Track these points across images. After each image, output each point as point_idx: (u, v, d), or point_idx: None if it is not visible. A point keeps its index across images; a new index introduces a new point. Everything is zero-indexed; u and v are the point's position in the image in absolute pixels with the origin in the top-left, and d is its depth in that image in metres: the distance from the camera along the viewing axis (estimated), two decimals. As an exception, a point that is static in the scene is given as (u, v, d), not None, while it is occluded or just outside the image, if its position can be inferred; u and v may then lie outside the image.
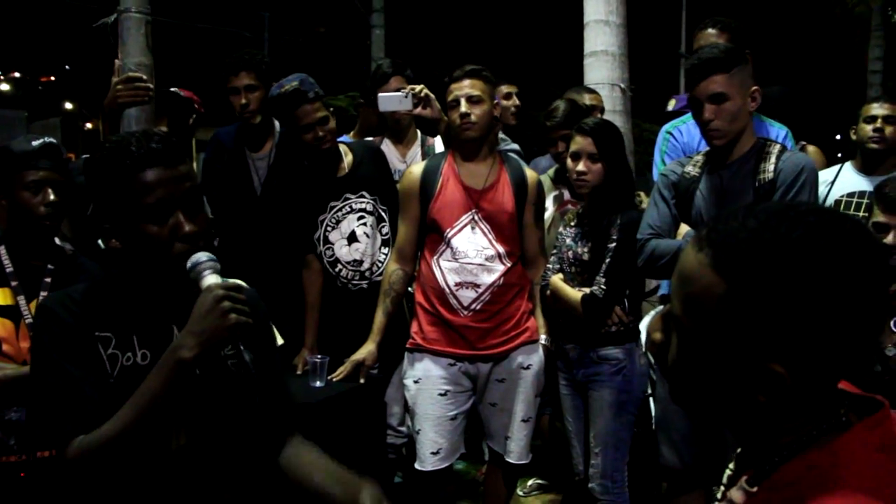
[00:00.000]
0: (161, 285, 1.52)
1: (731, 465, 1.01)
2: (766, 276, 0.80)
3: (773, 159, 2.44)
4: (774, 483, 0.85)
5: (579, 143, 2.78)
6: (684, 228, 2.56)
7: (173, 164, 1.45)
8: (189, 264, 1.42)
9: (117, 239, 1.49)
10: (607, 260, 2.73)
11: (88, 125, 22.67)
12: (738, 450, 1.00)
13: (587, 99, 3.75)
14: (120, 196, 1.44)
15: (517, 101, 4.13)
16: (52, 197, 2.12)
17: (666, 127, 3.35)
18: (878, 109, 3.30)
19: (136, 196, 1.42)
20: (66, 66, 27.50)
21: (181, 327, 1.46)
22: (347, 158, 3.17)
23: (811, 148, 3.66)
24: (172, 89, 3.45)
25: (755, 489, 0.86)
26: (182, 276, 1.44)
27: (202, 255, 1.43)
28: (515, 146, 3.75)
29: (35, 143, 2.16)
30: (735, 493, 0.88)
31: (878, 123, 3.27)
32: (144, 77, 2.66)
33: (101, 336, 1.49)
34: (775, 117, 3.19)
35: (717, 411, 0.91)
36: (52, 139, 2.22)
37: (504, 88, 4.06)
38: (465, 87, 2.80)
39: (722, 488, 1.00)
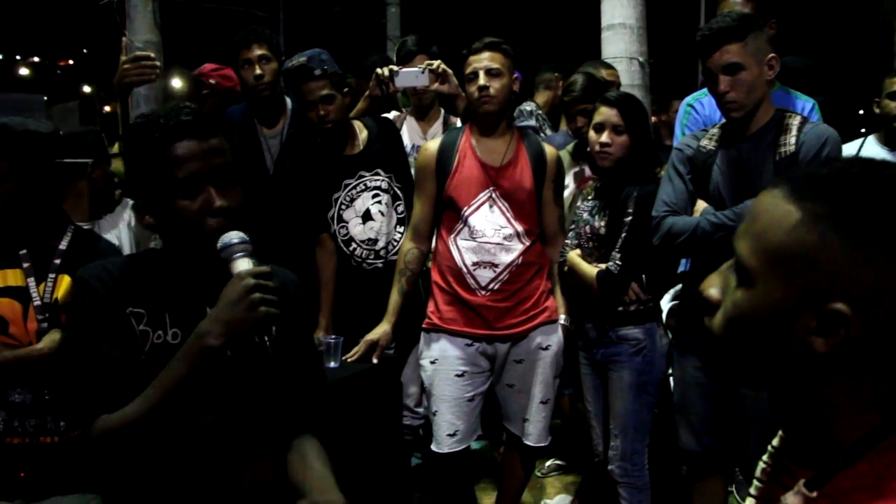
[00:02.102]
0: (195, 263, 1.50)
1: (766, 458, 0.93)
2: (842, 203, 0.76)
3: (794, 131, 2.36)
4: (841, 488, 0.77)
5: (604, 114, 2.72)
6: (701, 205, 2.48)
7: (205, 137, 1.43)
8: (220, 245, 1.39)
9: (150, 214, 1.47)
10: (623, 234, 2.66)
11: (107, 108, 22.76)
12: (776, 440, 0.93)
13: (604, 74, 3.69)
14: (151, 170, 1.42)
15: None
16: None
17: (687, 100, 3.29)
18: None
19: (167, 170, 1.41)
20: (84, 50, 27.59)
21: (213, 306, 1.45)
22: (362, 135, 3.12)
23: None
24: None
25: (815, 494, 0.79)
26: (214, 254, 1.42)
27: (234, 236, 1.40)
28: (531, 122, 3.69)
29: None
30: (791, 499, 0.80)
31: None
32: (152, 55, 2.61)
33: (135, 312, 1.48)
34: (798, 89, 3.10)
35: (771, 379, 0.84)
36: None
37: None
38: (484, 60, 2.73)
39: (756, 483, 0.93)
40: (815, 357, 0.77)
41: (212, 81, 3.50)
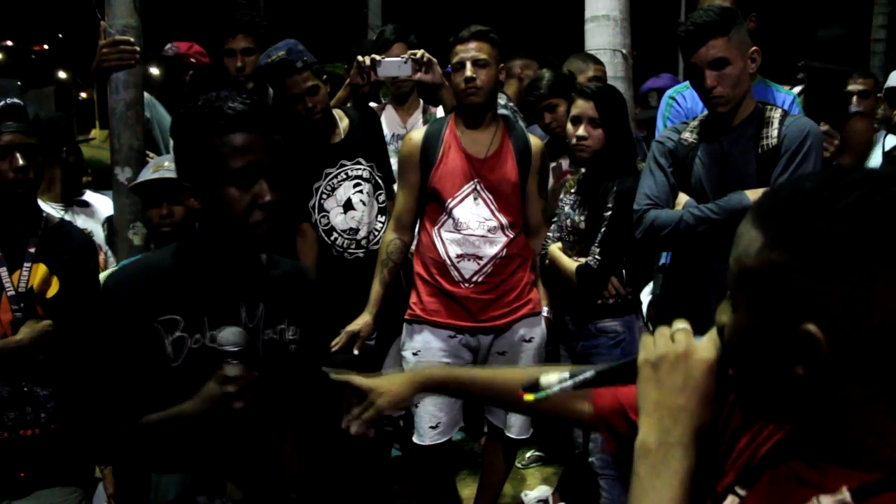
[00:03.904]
0: (231, 255, 1.52)
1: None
2: (800, 224, 0.77)
3: (775, 124, 2.36)
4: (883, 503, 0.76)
5: (581, 106, 2.71)
6: (683, 198, 2.47)
7: (266, 132, 1.45)
8: (222, 339, 1.41)
9: (197, 199, 1.47)
10: (602, 229, 2.66)
11: (83, 94, 22.45)
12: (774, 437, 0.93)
13: (591, 70, 3.66)
14: (207, 155, 1.42)
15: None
16: (20, 161, 2.00)
17: (669, 92, 3.27)
18: None
19: (223, 158, 1.41)
20: (60, 35, 27.19)
21: (248, 306, 1.51)
22: (343, 124, 3.09)
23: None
24: (167, 46, 3.39)
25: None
26: (254, 248, 1.48)
27: (238, 336, 1.41)
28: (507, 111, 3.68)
29: None
30: (826, 500, 0.79)
31: None
32: (131, 40, 2.57)
33: (166, 320, 1.47)
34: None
35: (773, 399, 0.84)
36: (15, 100, 2.11)
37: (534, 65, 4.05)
38: (472, 50, 2.69)
39: (740, 489, 0.92)
40: (805, 378, 0.78)
41: (192, 61, 3.45)
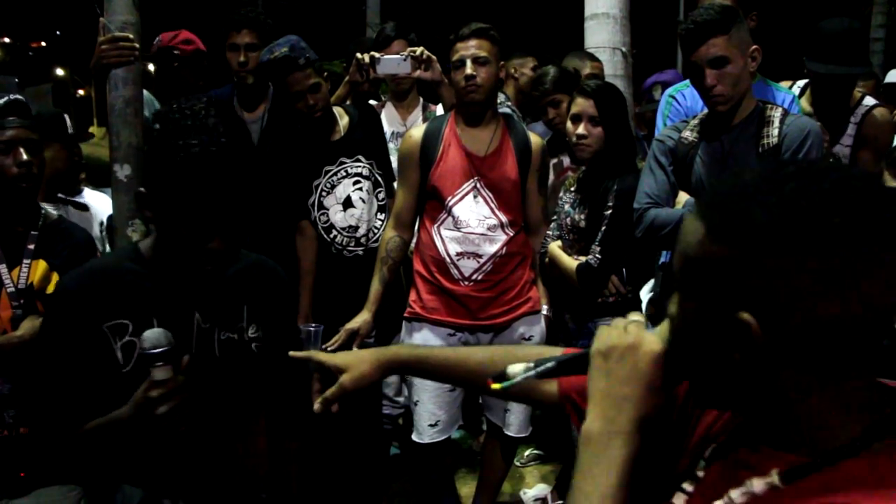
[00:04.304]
0: (186, 263, 1.47)
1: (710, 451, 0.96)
2: (738, 216, 0.80)
3: (776, 123, 2.36)
4: (810, 487, 0.79)
5: (580, 105, 2.70)
6: (683, 196, 2.47)
7: (219, 178, 1.36)
8: (145, 343, 1.35)
9: (152, 211, 1.44)
10: (603, 228, 2.66)
11: (80, 91, 22.40)
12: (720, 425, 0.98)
13: (588, 67, 3.67)
14: (164, 181, 1.38)
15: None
16: (24, 157, 2.02)
17: (669, 91, 3.26)
18: None
19: (177, 195, 1.37)
20: (57, 32, 27.13)
21: (203, 306, 1.48)
22: (343, 121, 3.09)
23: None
24: (155, 41, 3.37)
25: (782, 486, 0.81)
26: (209, 267, 1.43)
27: (160, 337, 1.35)
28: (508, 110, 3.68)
29: (0, 101, 2.06)
30: (756, 484, 0.83)
31: None
32: (130, 36, 2.56)
33: (114, 325, 1.45)
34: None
35: (718, 385, 0.88)
36: (18, 96, 2.12)
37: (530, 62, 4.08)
38: (472, 48, 2.69)
39: (702, 463, 0.96)
40: (742, 364, 0.81)
41: (177, 52, 3.41)
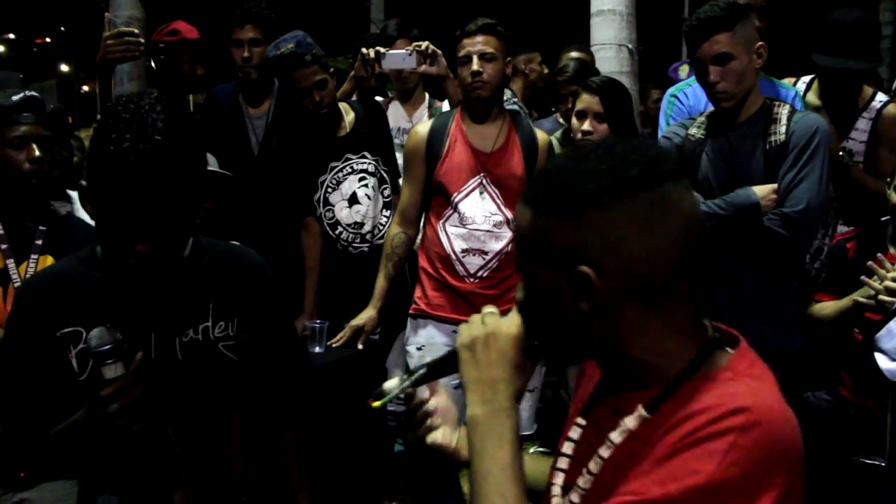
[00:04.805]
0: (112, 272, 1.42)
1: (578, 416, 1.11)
2: (548, 191, 0.98)
3: (783, 120, 2.35)
4: (668, 409, 0.95)
5: (586, 101, 2.70)
6: None
7: (150, 184, 1.28)
8: (91, 342, 1.30)
9: (93, 206, 1.38)
10: None
11: (85, 87, 22.45)
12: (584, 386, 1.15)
13: (574, 51, 3.72)
14: (98, 177, 1.32)
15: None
16: (36, 153, 2.02)
17: (671, 90, 3.24)
18: None
19: (101, 202, 1.32)
20: (62, 28, 27.16)
21: (161, 318, 1.43)
22: (349, 117, 3.08)
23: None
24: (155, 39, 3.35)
25: (649, 415, 0.97)
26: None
27: (104, 335, 1.30)
28: (516, 107, 3.67)
29: (15, 97, 2.06)
30: (631, 421, 0.98)
31: None
32: (136, 31, 2.57)
33: (68, 332, 1.41)
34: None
35: (573, 343, 1.02)
36: (33, 93, 2.12)
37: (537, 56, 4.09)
38: (479, 44, 2.67)
39: (580, 420, 1.10)
40: (591, 312, 0.96)
41: (161, 45, 3.36)
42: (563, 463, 1.09)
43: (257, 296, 1.56)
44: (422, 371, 1.14)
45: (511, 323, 1.07)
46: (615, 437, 0.99)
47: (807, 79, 3.31)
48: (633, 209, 0.92)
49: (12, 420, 1.44)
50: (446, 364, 1.13)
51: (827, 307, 2.72)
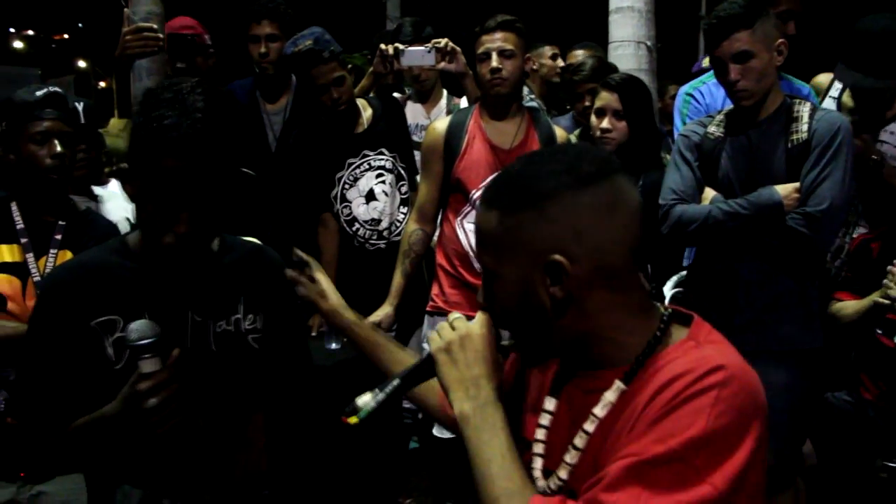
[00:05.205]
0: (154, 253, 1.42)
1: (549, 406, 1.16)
2: (508, 192, 1.05)
3: (805, 118, 2.32)
4: (641, 378, 1.03)
5: (605, 98, 2.68)
6: (710, 193, 2.43)
7: (195, 160, 1.31)
8: (131, 335, 1.30)
9: (133, 186, 1.40)
10: None
11: (102, 83, 22.56)
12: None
13: (581, 49, 3.70)
14: (139, 160, 1.34)
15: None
16: (58, 148, 2.03)
17: (685, 88, 3.19)
18: None
19: (149, 176, 1.33)
20: (80, 24, 27.31)
21: (197, 307, 1.44)
22: (366, 114, 3.08)
23: None
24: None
25: (626, 387, 1.03)
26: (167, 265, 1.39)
27: (145, 328, 1.30)
28: (534, 104, 3.66)
29: (38, 92, 2.07)
30: (610, 395, 1.04)
31: None
32: (155, 27, 2.56)
33: (103, 321, 1.41)
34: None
35: (545, 335, 1.07)
36: (56, 88, 2.13)
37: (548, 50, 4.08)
38: (498, 40, 2.66)
39: (548, 406, 1.15)
40: (565, 298, 1.03)
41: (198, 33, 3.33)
42: (539, 448, 1.14)
43: (280, 293, 1.60)
44: (395, 383, 1.15)
45: (480, 324, 1.13)
46: (598, 411, 1.05)
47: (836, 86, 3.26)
48: (593, 200, 1.01)
49: (36, 414, 1.44)
50: (421, 371, 1.16)
51: (847, 307, 2.69)
